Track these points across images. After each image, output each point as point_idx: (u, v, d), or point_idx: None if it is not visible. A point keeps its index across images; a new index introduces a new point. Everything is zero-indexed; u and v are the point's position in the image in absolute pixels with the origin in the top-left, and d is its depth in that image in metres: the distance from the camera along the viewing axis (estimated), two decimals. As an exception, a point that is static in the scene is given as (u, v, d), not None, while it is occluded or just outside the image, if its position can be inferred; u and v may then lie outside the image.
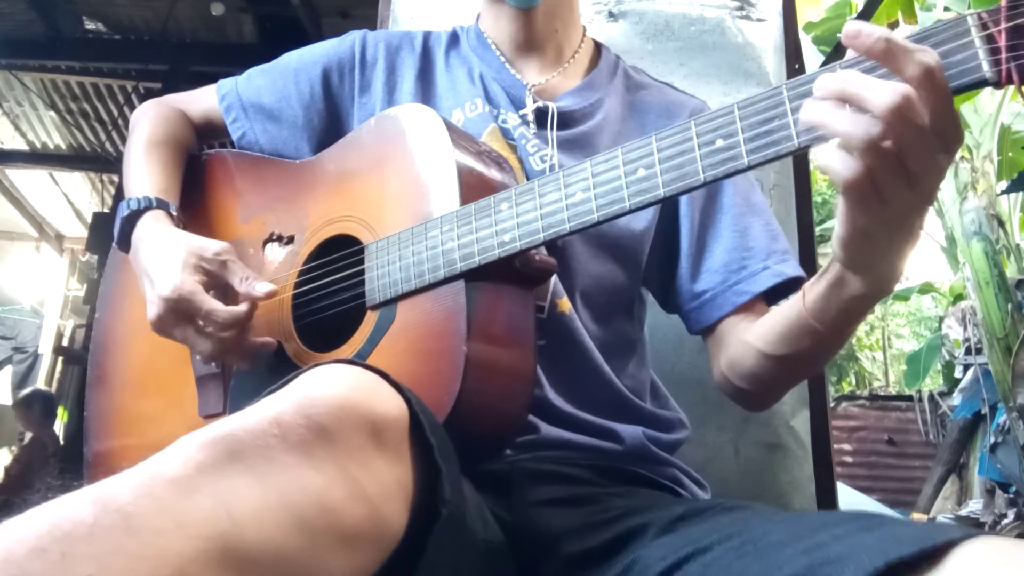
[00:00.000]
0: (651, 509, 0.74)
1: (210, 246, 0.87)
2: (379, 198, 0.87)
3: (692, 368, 1.33)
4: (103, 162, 6.18)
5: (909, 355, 8.51)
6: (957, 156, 4.94)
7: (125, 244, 0.94)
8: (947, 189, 5.93)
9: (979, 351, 6.23)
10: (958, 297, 7.43)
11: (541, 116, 0.98)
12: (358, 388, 0.56)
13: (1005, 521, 5.33)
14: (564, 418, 0.88)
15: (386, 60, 1.06)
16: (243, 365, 0.89)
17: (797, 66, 1.58)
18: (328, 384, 0.55)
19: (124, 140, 1.11)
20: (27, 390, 5.76)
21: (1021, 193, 6.33)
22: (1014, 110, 6.08)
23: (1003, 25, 0.54)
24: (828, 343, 0.78)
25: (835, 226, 0.64)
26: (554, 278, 0.89)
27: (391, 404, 0.57)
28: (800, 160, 1.52)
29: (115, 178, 6.48)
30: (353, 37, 1.08)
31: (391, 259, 0.81)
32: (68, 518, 0.41)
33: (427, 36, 1.10)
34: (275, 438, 0.50)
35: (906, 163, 0.56)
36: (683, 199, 1.00)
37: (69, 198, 7.39)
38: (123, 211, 0.94)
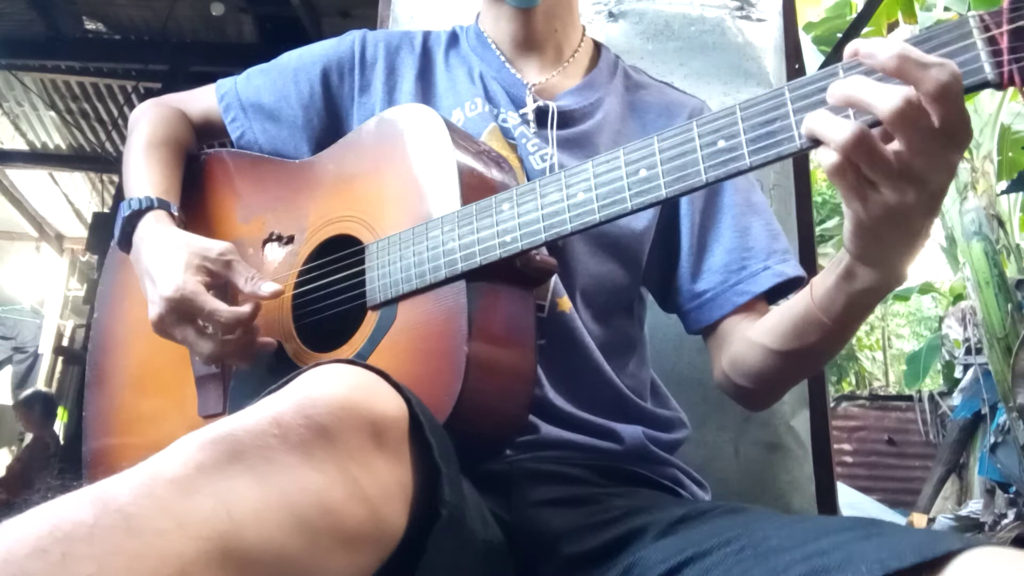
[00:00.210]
0: (651, 510, 0.74)
1: (213, 246, 0.87)
2: (379, 198, 0.87)
3: (692, 368, 1.33)
4: (103, 162, 6.17)
5: (909, 355, 8.52)
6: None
7: (126, 244, 0.94)
8: (947, 189, 5.92)
9: (979, 351, 6.23)
10: (958, 297, 7.43)
11: (541, 115, 0.98)
12: (358, 388, 0.56)
13: (1005, 521, 5.33)
14: (564, 418, 0.88)
15: (386, 60, 1.06)
16: (243, 365, 0.89)
17: (797, 66, 1.58)
18: (328, 384, 0.55)
19: (124, 140, 1.11)
20: (28, 391, 5.76)
21: (1021, 193, 6.33)
22: (1014, 110, 6.09)
23: (1005, 27, 0.54)
24: (834, 338, 0.78)
25: (845, 220, 0.65)
26: (554, 277, 0.89)
27: (391, 404, 0.57)
28: (800, 160, 1.52)
29: (115, 178, 6.48)
30: (353, 37, 1.08)
31: (392, 259, 0.81)
32: (68, 518, 0.41)
33: (427, 36, 1.10)
34: (275, 438, 0.49)
35: (912, 162, 0.56)
36: (683, 199, 1.00)
37: (69, 198, 7.38)
38: (124, 211, 0.94)
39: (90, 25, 4.70)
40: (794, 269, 0.96)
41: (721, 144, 0.64)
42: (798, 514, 1.04)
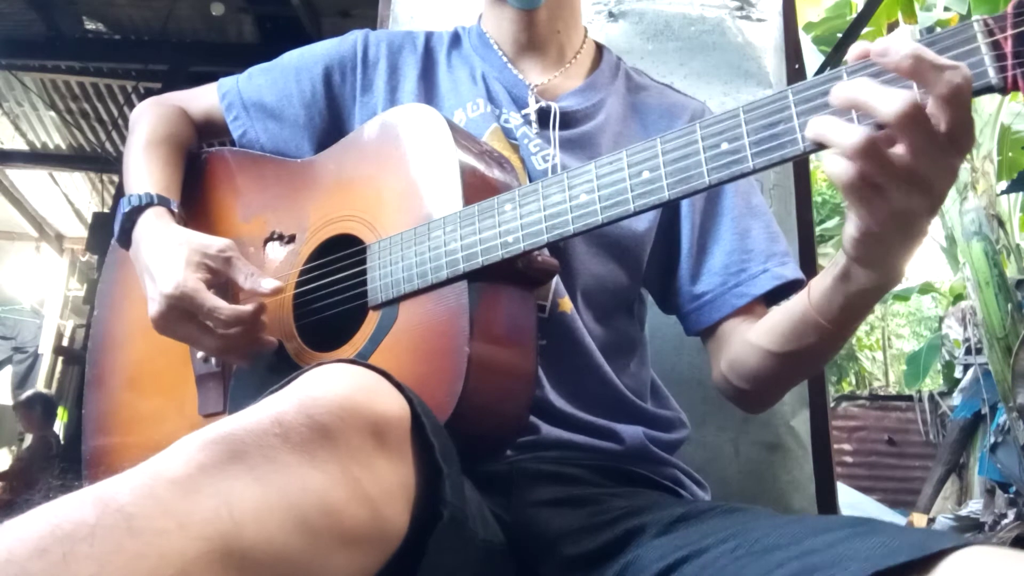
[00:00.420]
0: (651, 510, 0.74)
1: (214, 243, 0.87)
2: (381, 198, 0.87)
3: (692, 368, 1.34)
4: (103, 162, 6.17)
5: (909, 355, 8.52)
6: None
7: (126, 241, 0.94)
8: (947, 189, 5.92)
9: (979, 351, 6.23)
10: (958, 297, 7.43)
11: (543, 116, 0.98)
12: (360, 388, 0.56)
13: (1005, 521, 5.32)
14: (564, 418, 0.88)
15: (388, 60, 1.06)
16: (244, 364, 0.89)
17: (797, 66, 1.58)
18: (330, 384, 0.55)
19: (124, 140, 1.11)
20: (28, 392, 5.77)
21: (1021, 193, 6.33)
22: (1014, 110, 6.09)
23: (1009, 32, 0.54)
24: (832, 339, 0.78)
25: (845, 224, 0.64)
26: (555, 278, 0.89)
27: (393, 404, 0.57)
28: (800, 161, 1.52)
29: (115, 178, 6.48)
30: (355, 36, 1.08)
31: (394, 259, 0.81)
32: (69, 519, 0.41)
33: (429, 36, 1.10)
34: (277, 438, 0.49)
35: (917, 166, 0.56)
36: (684, 201, 1.00)
37: (69, 198, 7.39)
38: (124, 207, 0.93)
39: (90, 25, 4.70)
40: (793, 272, 0.96)
41: (724, 146, 0.64)
42: (796, 514, 1.04)
